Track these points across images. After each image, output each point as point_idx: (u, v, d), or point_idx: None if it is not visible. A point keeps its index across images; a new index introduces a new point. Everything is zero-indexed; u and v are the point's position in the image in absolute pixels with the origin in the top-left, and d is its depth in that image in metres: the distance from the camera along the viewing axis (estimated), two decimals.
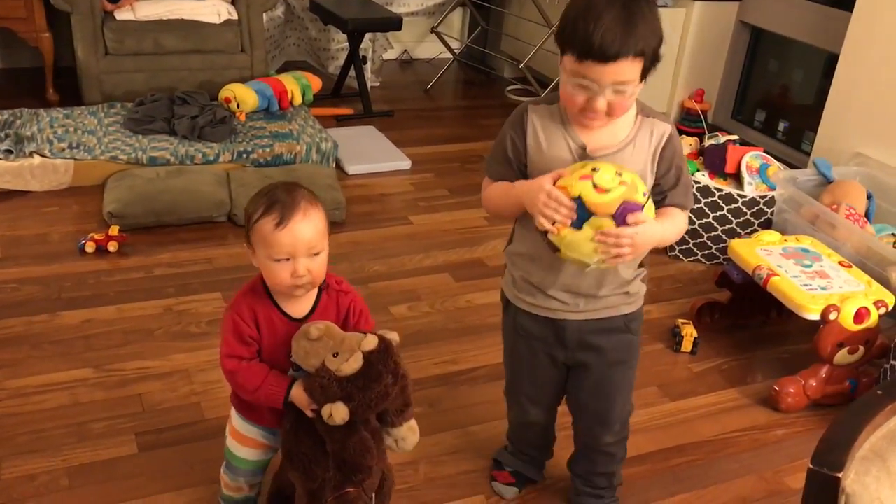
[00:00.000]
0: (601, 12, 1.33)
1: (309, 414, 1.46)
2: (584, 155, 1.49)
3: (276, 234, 1.39)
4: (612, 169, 1.39)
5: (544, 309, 1.63)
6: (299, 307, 1.50)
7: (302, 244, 1.40)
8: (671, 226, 1.53)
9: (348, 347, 1.41)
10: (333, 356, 1.41)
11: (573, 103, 1.43)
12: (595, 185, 1.37)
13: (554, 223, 1.39)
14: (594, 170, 1.38)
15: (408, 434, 1.53)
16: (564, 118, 1.50)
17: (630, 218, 1.37)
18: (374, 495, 1.55)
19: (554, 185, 1.41)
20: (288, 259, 1.41)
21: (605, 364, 1.68)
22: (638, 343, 1.73)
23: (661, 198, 1.55)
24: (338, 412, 1.39)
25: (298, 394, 1.45)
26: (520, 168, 1.55)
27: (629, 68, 1.36)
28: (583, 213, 1.38)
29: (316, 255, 1.43)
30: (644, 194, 1.40)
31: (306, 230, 1.40)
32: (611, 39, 1.33)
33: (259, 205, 1.42)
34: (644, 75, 1.41)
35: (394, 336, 1.47)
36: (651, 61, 1.40)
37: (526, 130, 1.52)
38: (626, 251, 1.38)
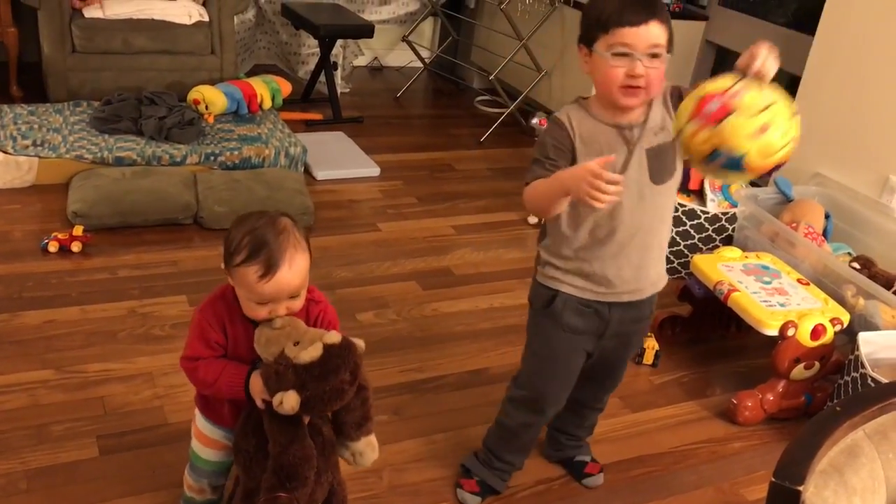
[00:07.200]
0: None
1: (259, 404, 1.44)
2: (622, 131, 1.58)
3: (259, 285, 1.36)
4: (750, 124, 1.30)
5: (593, 293, 1.71)
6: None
7: (285, 293, 1.39)
8: None
9: (310, 338, 1.39)
10: (294, 345, 1.39)
11: (614, 78, 1.52)
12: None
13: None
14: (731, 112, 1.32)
15: (366, 449, 1.51)
16: (590, 111, 1.62)
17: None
18: None
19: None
20: (268, 302, 1.40)
21: (624, 348, 1.87)
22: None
23: None
24: (288, 400, 1.35)
25: (255, 382, 1.43)
26: (568, 158, 1.60)
27: (659, 31, 1.49)
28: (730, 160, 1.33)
29: (296, 296, 1.42)
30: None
31: (291, 280, 1.38)
32: (640, 5, 1.49)
33: (242, 245, 1.37)
34: (668, 47, 1.52)
35: (359, 342, 1.44)
36: (671, 35, 1.52)
37: (565, 124, 1.61)
38: None
